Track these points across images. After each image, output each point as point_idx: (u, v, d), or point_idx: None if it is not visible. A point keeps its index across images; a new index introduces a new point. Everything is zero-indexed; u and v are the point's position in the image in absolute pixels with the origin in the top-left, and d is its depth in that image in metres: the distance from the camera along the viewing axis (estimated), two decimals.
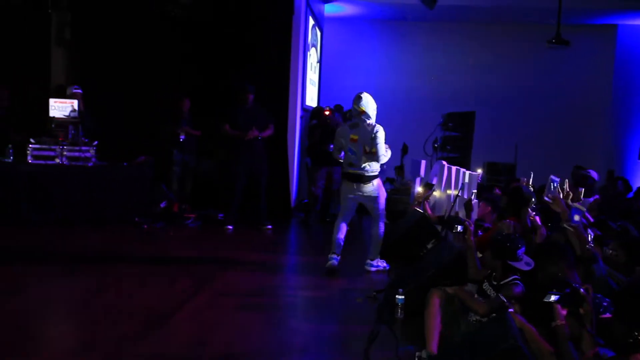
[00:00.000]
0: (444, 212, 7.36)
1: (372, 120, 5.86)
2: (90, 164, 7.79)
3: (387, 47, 12.15)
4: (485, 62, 11.53)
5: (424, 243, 6.57)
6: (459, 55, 11.62)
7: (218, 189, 8.68)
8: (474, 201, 5.67)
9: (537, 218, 4.41)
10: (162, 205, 8.23)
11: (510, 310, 3.40)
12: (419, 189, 7.59)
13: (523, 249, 3.73)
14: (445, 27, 11.74)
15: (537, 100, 11.63)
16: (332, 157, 8.55)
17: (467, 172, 6.37)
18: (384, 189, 6.16)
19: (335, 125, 8.71)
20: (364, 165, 5.85)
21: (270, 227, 8.09)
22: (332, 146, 8.52)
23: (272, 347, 4.10)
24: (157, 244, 7.03)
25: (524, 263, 3.72)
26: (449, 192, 7.19)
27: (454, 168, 6.96)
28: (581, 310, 2.68)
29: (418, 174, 8.51)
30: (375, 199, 5.98)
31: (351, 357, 3.95)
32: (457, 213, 6.44)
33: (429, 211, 7.12)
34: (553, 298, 2.72)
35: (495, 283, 3.82)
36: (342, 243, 6.03)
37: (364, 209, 6.26)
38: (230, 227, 7.95)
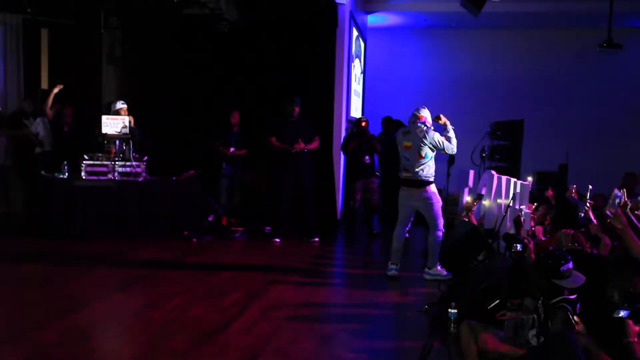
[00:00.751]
0: (493, 224, 7.22)
1: (425, 127, 6.06)
2: (140, 179, 7.95)
3: (431, 56, 12.06)
4: (534, 69, 11.29)
5: (475, 255, 6.46)
6: (507, 62, 11.42)
7: (265, 201, 8.73)
8: (525, 211, 5.52)
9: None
10: (210, 218, 8.33)
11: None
12: (467, 198, 7.46)
13: (569, 264, 3.55)
14: (491, 34, 11.58)
15: (588, 105, 11.32)
16: (367, 168, 8.64)
17: (518, 182, 6.21)
18: (438, 196, 6.20)
19: (371, 137, 8.73)
20: (417, 170, 6.01)
21: (317, 239, 8.09)
22: (367, 157, 8.60)
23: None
24: (206, 258, 7.10)
25: (571, 280, 3.54)
26: (499, 201, 7.04)
27: (504, 177, 6.81)
28: None
29: (466, 184, 8.37)
30: (430, 205, 6.07)
31: None
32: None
33: (474, 221, 7.01)
34: (623, 314, 2.61)
35: (546, 302, 3.66)
36: (400, 252, 6.19)
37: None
38: (277, 240, 7.98)
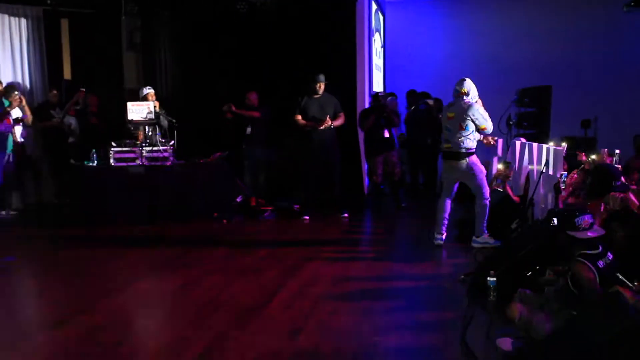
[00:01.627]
0: (520, 191, 7.16)
1: (470, 100, 6.12)
2: (168, 163, 8.00)
3: (451, 26, 11.84)
4: (557, 33, 10.99)
5: (508, 223, 6.44)
6: (528, 28, 11.15)
7: (292, 180, 8.74)
8: (565, 176, 5.45)
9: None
10: (239, 199, 8.37)
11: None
12: (499, 166, 7.39)
13: (585, 217, 3.56)
14: (511, 0, 11.33)
15: (614, 70, 11.04)
16: (387, 143, 8.60)
17: (552, 148, 6.12)
18: (481, 165, 6.23)
19: (390, 110, 8.68)
20: (458, 141, 6.07)
21: (347, 215, 8.09)
22: (386, 131, 8.55)
23: (370, 330, 4.08)
24: (238, 237, 7.15)
25: (586, 232, 3.56)
26: (531, 167, 6.95)
27: (535, 144, 6.72)
28: None
29: (495, 153, 8.28)
30: (472, 175, 6.13)
31: (448, 343, 3.86)
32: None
33: (510, 191, 6.95)
34: None
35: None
36: (446, 222, 6.33)
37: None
38: (307, 217, 8.00)
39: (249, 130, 8.73)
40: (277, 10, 9.06)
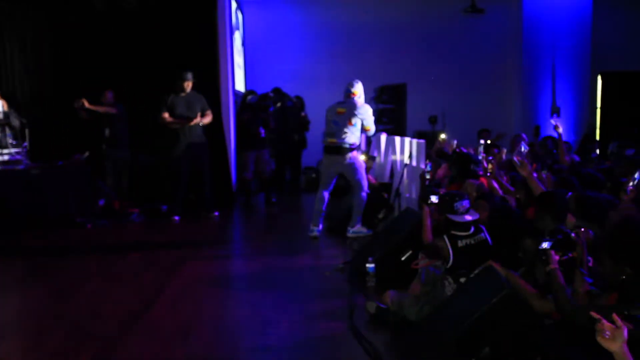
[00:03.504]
0: (387, 180, 7.61)
1: (361, 101, 6.47)
2: (21, 167, 7.39)
3: (308, 26, 12.12)
4: (408, 33, 11.73)
5: (375, 213, 6.80)
6: (381, 28, 11.77)
7: (159, 180, 8.48)
8: (429, 167, 5.89)
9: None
10: (101, 202, 7.96)
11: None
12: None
13: (464, 202, 3.96)
14: (363, 1, 11.87)
15: (457, 68, 12.03)
16: (260, 140, 8.73)
17: (414, 141, 6.57)
18: (361, 161, 6.55)
19: (269, 114, 8.83)
20: (344, 136, 6.31)
21: (217, 213, 8.04)
22: (262, 129, 8.67)
23: (260, 323, 4.13)
24: (107, 242, 6.80)
25: (463, 217, 3.95)
26: (394, 157, 7.39)
27: (397, 137, 7.16)
28: (574, 254, 2.92)
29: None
30: (354, 169, 6.41)
31: (336, 329, 4.03)
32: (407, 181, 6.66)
33: (373, 180, 7.35)
34: (546, 245, 2.93)
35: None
36: (323, 214, 6.56)
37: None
38: (176, 217, 7.83)
39: (107, 131, 8.31)
40: (137, 8, 8.70)
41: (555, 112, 11.75)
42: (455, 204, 3.92)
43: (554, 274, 2.87)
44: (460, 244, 3.93)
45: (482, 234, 3.98)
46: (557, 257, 2.89)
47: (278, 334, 3.96)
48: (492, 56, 12.22)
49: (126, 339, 3.90)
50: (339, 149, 6.36)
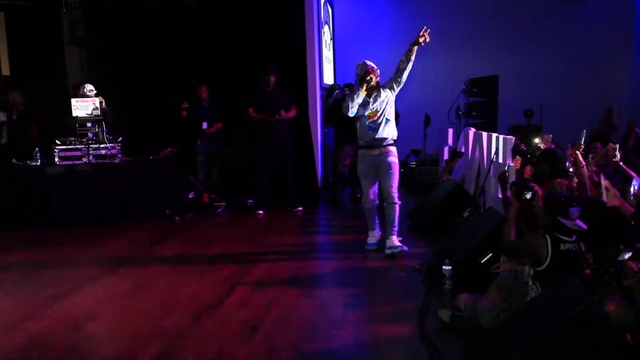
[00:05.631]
0: (474, 181, 7.27)
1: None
2: (116, 161, 7.77)
3: (399, 18, 11.88)
4: (504, 23, 11.21)
5: (460, 212, 6.52)
6: (475, 20, 11.33)
7: (245, 175, 8.63)
8: (510, 165, 5.54)
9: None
10: (191, 196, 8.21)
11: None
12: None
13: (577, 209, 3.62)
14: None
15: (557, 58, 11.35)
16: (353, 133, 8.52)
17: (500, 137, 6.22)
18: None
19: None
20: None
21: (300, 208, 8.06)
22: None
23: (328, 324, 4.05)
24: (191, 235, 7.01)
25: (575, 223, 3.61)
26: (480, 153, 7.04)
27: (484, 133, 6.82)
28: None
29: (446, 143, 8.38)
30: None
31: (404, 333, 3.88)
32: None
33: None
34: (627, 255, 2.64)
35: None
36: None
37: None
38: (260, 212, 7.93)
39: (205, 125, 8.55)
40: (224, 3, 8.88)
41: None
42: (571, 209, 3.58)
43: (636, 287, 2.57)
44: (562, 247, 3.63)
45: (581, 244, 3.66)
46: (636, 268, 2.58)
47: (343, 337, 3.85)
48: (597, 46, 11.43)
49: (195, 331, 3.96)
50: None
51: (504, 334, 3.41)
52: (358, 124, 5.77)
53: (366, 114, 5.66)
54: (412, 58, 5.69)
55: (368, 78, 5.60)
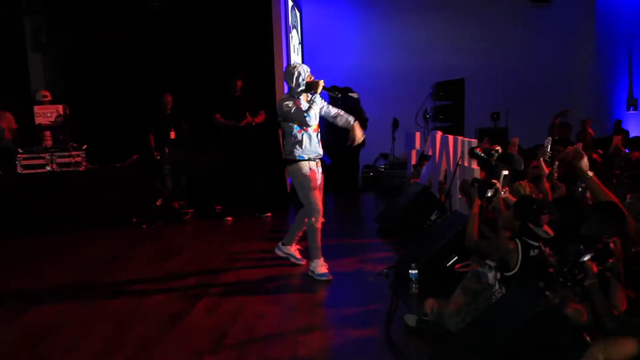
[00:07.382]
0: (441, 183, 7.34)
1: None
2: (81, 169, 7.64)
3: (367, 23, 11.96)
4: (470, 27, 11.36)
5: (427, 215, 6.57)
6: (441, 24, 11.44)
7: (213, 181, 8.56)
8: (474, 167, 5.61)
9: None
10: (158, 203, 8.12)
11: None
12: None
13: (546, 216, 3.65)
14: None
15: (522, 62, 11.55)
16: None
17: (466, 140, 6.29)
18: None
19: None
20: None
21: (269, 214, 8.03)
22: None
23: (294, 330, 4.05)
24: (159, 243, 6.93)
25: (544, 231, 3.64)
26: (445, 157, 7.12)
27: (450, 137, 6.89)
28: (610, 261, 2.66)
29: (414, 147, 8.45)
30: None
31: (371, 337, 3.89)
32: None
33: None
34: (588, 257, 2.69)
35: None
36: None
37: None
38: (229, 218, 7.88)
39: (172, 134, 8.44)
40: (192, 8, 8.83)
41: (632, 105, 11.02)
42: (542, 216, 3.58)
43: (595, 288, 2.62)
44: (531, 253, 3.65)
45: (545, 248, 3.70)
46: (596, 270, 2.64)
47: (309, 343, 3.85)
48: (561, 48, 11.65)
49: (162, 340, 3.93)
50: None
51: (466, 337, 3.45)
52: (302, 136, 5.07)
53: (312, 124, 5.12)
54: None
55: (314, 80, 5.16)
